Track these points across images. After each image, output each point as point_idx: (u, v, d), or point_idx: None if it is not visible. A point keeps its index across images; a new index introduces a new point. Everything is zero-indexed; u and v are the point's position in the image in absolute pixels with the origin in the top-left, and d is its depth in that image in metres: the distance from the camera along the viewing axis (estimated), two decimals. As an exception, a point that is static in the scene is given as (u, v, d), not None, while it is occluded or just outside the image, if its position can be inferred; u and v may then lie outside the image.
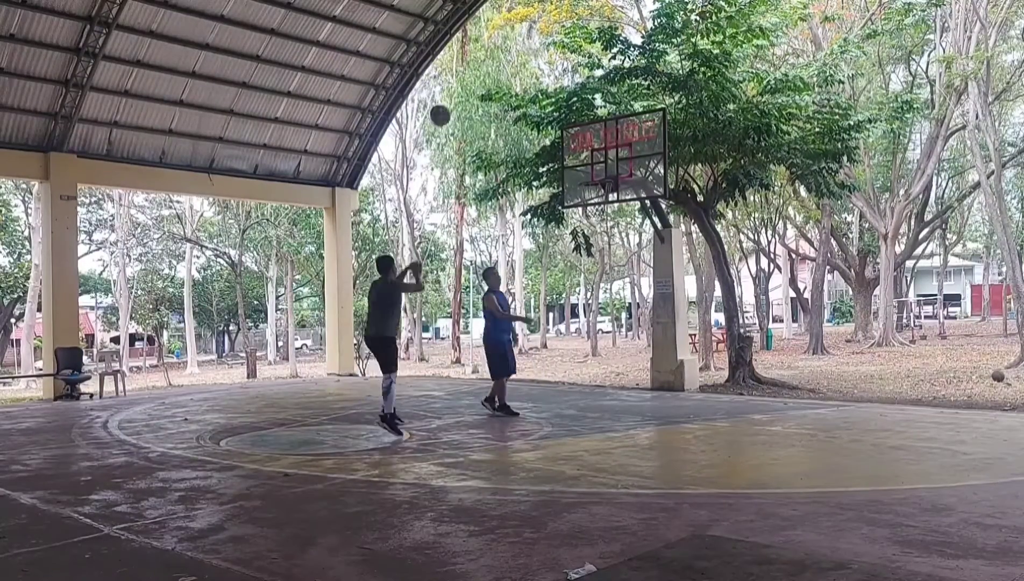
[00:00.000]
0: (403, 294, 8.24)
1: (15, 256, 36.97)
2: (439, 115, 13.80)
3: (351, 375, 17.74)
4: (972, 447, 7.02)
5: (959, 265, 56.71)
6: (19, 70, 13.14)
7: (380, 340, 8.34)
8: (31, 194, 29.46)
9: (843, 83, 16.16)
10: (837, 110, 13.10)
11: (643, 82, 12.98)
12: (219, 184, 16.45)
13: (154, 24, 13.84)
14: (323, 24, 15.55)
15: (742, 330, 15.75)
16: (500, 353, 9.80)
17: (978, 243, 50.49)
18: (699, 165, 14.11)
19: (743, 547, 4.18)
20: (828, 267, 30.91)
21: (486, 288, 10.14)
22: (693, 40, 12.31)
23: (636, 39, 13.77)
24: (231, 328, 53.53)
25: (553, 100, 13.45)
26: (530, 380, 16.36)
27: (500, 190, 15.88)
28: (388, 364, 8.22)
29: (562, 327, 65.27)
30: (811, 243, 32.12)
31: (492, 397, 9.89)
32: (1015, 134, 36.93)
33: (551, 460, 6.83)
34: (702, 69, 12.16)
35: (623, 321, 56.40)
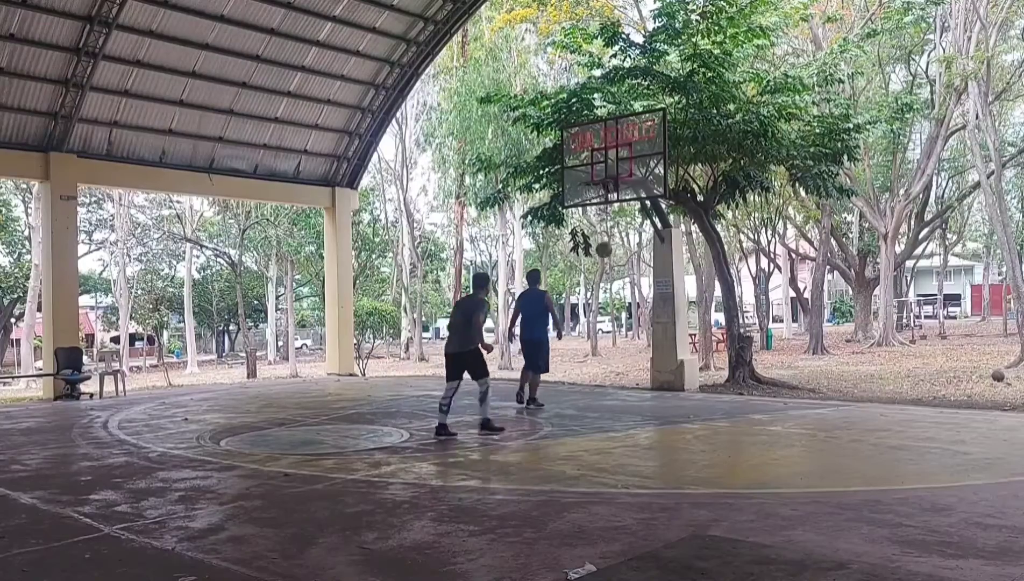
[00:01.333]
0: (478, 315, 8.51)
1: (15, 256, 36.97)
2: (604, 250, 16.39)
3: (351, 375, 17.74)
4: (972, 447, 7.02)
5: (959, 265, 56.69)
6: (19, 70, 13.13)
7: (463, 355, 8.31)
8: (31, 194, 29.45)
9: (843, 82, 16.15)
10: (836, 112, 13.12)
11: (643, 82, 12.98)
12: (219, 184, 16.45)
13: (154, 24, 13.84)
14: (323, 24, 15.55)
15: (742, 330, 15.75)
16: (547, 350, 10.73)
17: (978, 243, 50.49)
18: (699, 165, 14.11)
19: (743, 547, 4.18)
20: (828, 267, 30.91)
21: (538, 288, 10.91)
22: (694, 40, 12.31)
23: (636, 39, 13.77)
24: (231, 328, 53.54)
25: (553, 102, 13.46)
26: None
27: (501, 195, 15.88)
28: (480, 371, 8.30)
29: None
30: (811, 243, 32.13)
31: (534, 395, 10.59)
32: (1015, 134, 36.94)
33: (551, 460, 6.83)
34: (702, 70, 12.16)
35: (623, 321, 56.42)
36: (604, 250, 16.55)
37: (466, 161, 26.15)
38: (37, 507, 5.49)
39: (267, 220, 32.88)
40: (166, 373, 24.09)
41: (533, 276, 11.27)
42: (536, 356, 10.52)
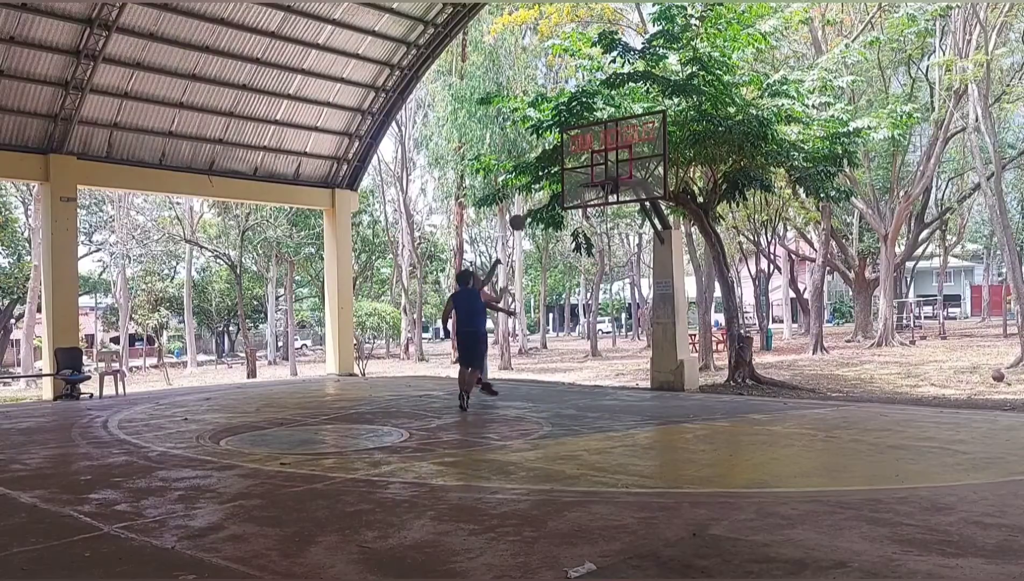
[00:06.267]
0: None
1: (15, 257, 36.97)
2: (517, 222, 16.48)
3: (351, 375, 17.75)
4: (972, 446, 7.02)
5: (959, 266, 56.69)
6: (19, 72, 13.14)
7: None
8: (31, 195, 29.47)
9: (843, 89, 16.17)
10: (836, 116, 13.15)
11: (642, 85, 13.00)
12: (219, 186, 16.46)
13: (155, 26, 13.85)
14: (324, 27, 15.58)
15: (742, 330, 15.76)
16: None
17: (978, 244, 50.51)
18: (699, 167, 14.13)
19: (742, 546, 4.18)
20: (828, 268, 30.92)
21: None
22: (693, 43, 12.34)
23: (636, 42, 13.81)
24: (231, 328, 53.55)
25: (553, 104, 13.48)
26: (530, 380, 16.35)
27: (500, 195, 15.90)
28: None
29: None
30: (811, 244, 32.16)
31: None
32: (1015, 136, 36.96)
33: (551, 459, 6.83)
34: (701, 73, 12.19)
35: (623, 321, 56.48)
36: (517, 223, 16.52)
37: (464, 160, 26.20)
38: (37, 506, 5.48)
39: (267, 221, 32.90)
40: (166, 373, 24.11)
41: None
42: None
